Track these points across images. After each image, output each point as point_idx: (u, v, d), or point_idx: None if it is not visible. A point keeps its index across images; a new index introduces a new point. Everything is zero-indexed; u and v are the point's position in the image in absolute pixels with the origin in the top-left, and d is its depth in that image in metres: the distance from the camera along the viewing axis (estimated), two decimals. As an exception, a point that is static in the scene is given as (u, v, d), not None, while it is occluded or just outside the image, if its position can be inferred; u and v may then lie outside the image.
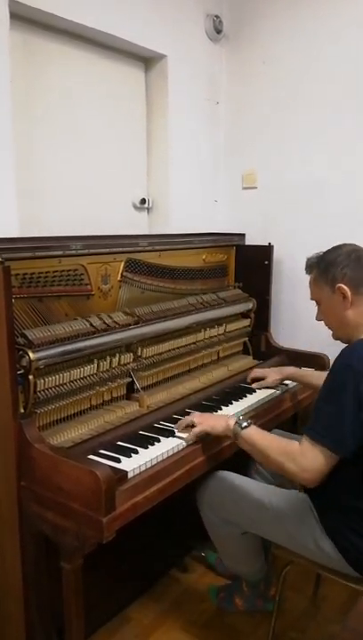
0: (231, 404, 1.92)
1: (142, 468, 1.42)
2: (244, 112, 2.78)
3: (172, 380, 2.07)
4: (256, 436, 1.51)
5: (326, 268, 1.54)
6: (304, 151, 2.57)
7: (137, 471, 1.40)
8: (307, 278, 1.63)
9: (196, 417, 1.64)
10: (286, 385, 2.13)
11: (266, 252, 2.51)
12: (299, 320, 2.59)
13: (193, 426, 1.62)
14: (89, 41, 2.25)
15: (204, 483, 1.73)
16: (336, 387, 1.36)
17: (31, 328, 1.55)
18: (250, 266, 2.55)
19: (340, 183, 2.48)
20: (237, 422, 1.55)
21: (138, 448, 1.51)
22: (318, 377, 1.91)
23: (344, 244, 1.57)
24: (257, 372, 2.15)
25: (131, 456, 1.46)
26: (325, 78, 2.47)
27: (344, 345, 1.50)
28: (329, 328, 1.61)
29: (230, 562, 1.85)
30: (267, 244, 2.51)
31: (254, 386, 2.08)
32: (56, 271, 1.67)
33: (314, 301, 1.62)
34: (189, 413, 1.78)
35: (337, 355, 1.42)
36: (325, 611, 1.93)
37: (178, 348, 2.06)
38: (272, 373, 2.10)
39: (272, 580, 1.88)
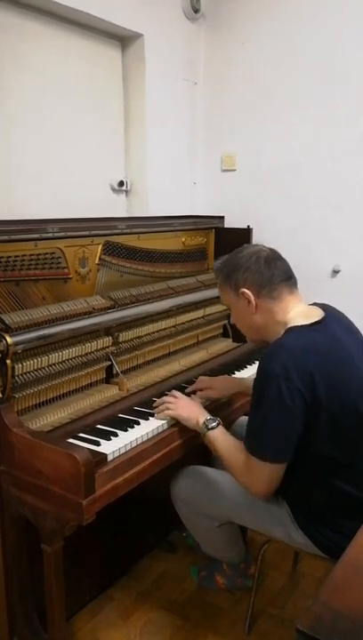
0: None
1: (122, 451, 1.42)
2: (222, 93, 2.75)
3: (151, 364, 2.07)
4: (219, 440, 1.51)
5: (228, 273, 1.50)
6: (283, 134, 2.57)
7: (117, 454, 1.41)
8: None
9: (172, 401, 1.62)
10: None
11: (245, 234, 2.50)
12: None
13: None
14: (63, 19, 2.20)
15: (177, 478, 1.72)
16: (261, 397, 1.33)
17: (8, 312, 1.53)
18: (229, 249, 2.50)
19: (318, 166, 2.49)
20: (204, 422, 1.53)
21: (117, 431, 1.51)
22: None
23: (247, 246, 1.53)
24: (205, 382, 1.84)
25: (110, 439, 1.46)
26: (304, 61, 2.46)
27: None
28: (242, 332, 1.58)
29: (210, 550, 1.86)
30: (246, 227, 2.51)
31: (199, 395, 1.79)
32: (33, 255, 1.65)
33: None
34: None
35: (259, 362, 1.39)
36: (303, 586, 1.97)
37: (157, 331, 2.05)
38: (223, 390, 1.81)
39: (252, 559, 1.91)
